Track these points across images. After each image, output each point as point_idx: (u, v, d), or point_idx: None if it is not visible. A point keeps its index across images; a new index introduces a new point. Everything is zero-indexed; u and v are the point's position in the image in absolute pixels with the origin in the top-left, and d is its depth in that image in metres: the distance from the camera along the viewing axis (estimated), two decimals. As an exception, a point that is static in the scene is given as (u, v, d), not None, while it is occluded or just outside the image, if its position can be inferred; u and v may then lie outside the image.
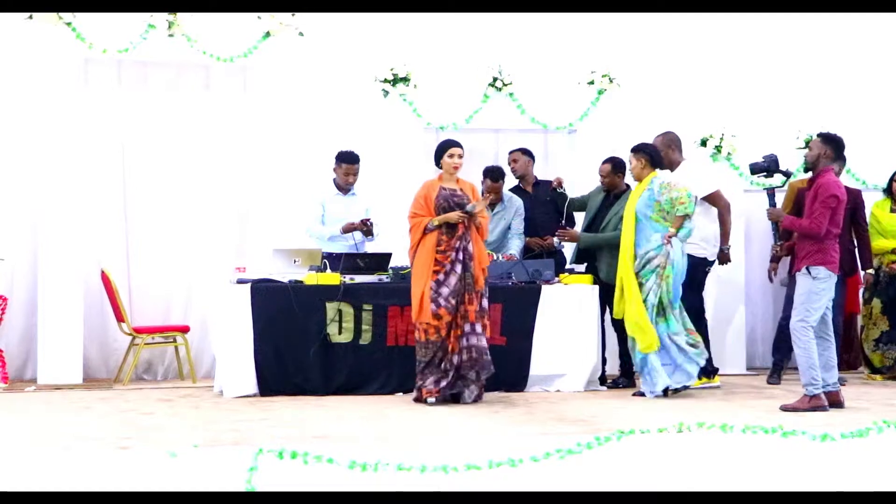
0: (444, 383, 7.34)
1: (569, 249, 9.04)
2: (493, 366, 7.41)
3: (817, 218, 7.03)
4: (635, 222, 7.92)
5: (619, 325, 8.67)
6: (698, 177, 8.43)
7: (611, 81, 9.84)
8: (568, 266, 8.73)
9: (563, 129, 9.93)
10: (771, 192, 7.57)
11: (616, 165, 8.59)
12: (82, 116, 9.08)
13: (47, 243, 8.83)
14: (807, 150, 7.37)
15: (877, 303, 9.16)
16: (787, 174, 7.72)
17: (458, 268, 7.40)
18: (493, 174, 8.96)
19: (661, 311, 7.87)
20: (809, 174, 7.33)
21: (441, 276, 7.37)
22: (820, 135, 7.28)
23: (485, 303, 7.48)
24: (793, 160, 9.73)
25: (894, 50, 10.31)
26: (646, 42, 9.98)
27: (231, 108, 9.52)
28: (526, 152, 9.27)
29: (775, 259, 8.86)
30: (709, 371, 8.39)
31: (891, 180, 9.28)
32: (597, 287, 8.37)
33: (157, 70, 9.43)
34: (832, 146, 7.16)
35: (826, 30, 10.13)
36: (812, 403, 6.92)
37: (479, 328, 7.38)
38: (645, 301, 7.82)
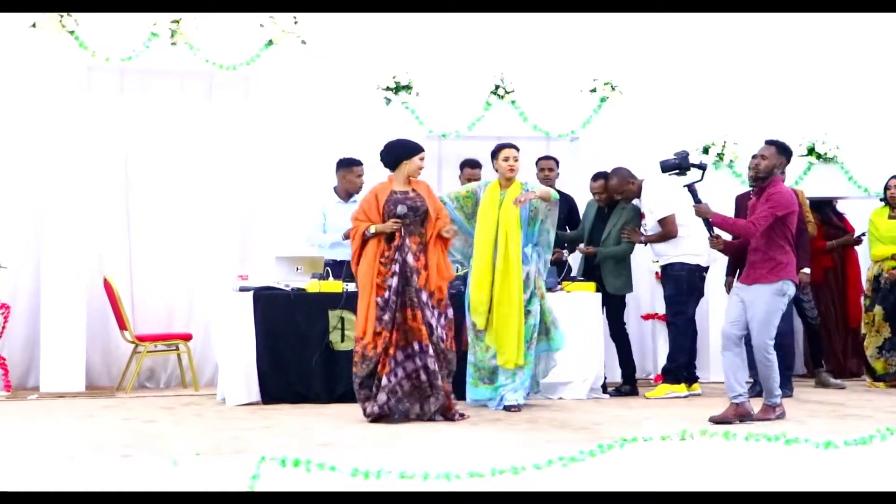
0: (374, 408, 6.77)
1: (573, 261, 9.01)
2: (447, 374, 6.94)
3: (759, 221, 6.77)
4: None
5: (618, 334, 8.69)
6: (656, 199, 8.42)
7: (613, 89, 9.85)
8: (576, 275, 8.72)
9: (566, 137, 9.93)
10: (692, 189, 7.04)
11: (608, 179, 8.64)
12: (85, 124, 9.10)
13: (50, 251, 8.84)
14: (758, 160, 7.01)
15: (878, 310, 9.14)
16: (702, 167, 7.19)
17: (395, 282, 6.82)
18: (473, 162, 9.08)
19: (543, 329, 7.63)
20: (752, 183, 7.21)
21: (384, 290, 6.82)
22: (774, 143, 7.06)
23: (444, 317, 6.92)
24: (795, 167, 9.75)
25: (896, 56, 10.34)
26: (647, 49, 9.99)
27: (233, 116, 9.54)
28: (557, 161, 9.22)
29: (732, 273, 8.66)
30: (691, 379, 8.41)
31: (886, 188, 9.28)
32: (599, 295, 8.37)
33: (159, 78, 9.46)
34: (786, 156, 7.07)
35: (828, 36, 10.14)
36: (740, 411, 6.90)
37: (428, 348, 6.77)
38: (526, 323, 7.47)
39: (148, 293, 9.43)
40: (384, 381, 6.74)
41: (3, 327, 8.71)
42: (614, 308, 8.64)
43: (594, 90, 9.84)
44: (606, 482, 4.46)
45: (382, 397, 6.74)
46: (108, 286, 8.78)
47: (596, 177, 8.73)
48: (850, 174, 9.90)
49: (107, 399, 8.30)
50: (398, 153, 7.09)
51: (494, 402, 7.47)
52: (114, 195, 9.40)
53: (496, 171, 7.70)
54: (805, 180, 9.85)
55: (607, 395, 8.35)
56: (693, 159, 7.37)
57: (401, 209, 6.89)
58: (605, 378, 8.51)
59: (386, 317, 6.78)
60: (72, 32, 8.83)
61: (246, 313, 7.83)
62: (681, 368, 8.37)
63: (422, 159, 7.13)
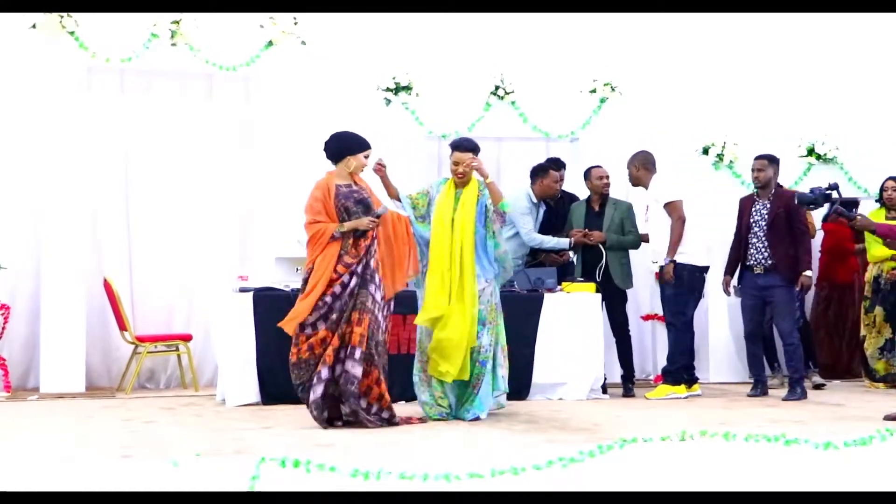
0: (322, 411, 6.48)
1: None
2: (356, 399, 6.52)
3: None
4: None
5: (619, 332, 8.70)
6: (664, 184, 8.44)
7: (612, 90, 9.85)
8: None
9: (566, 138, 9.94)
10: (841, 208, 6.75)
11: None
12: (86, 125, 9.11)
13: (50, 251, 8.84)
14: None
15: (879, 311, 9.14)
16: (852, 202, 6.93)
17: (354, 281, 6.50)
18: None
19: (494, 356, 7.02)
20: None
21: (337, 289, 6.47)
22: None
23: (387, 308, 6.65)
24: (795, 168, 9.76)
25: (896, 57, 10.33)
26: (647, 50, 10.00)
27: (234, 117, 9.55)
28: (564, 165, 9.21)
29: (730, 272, 8.69)
30: (691, 380, 8.41)
31: (882, 189, 9.27)
32: (599, 296, 8.36)
33: (160, 79, 9.47)
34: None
35: (828, 36, 10.15)
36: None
37: (357, 353, 6.42)
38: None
39: (148, 294, 9.43)
40: (324, 373, 6.44)
41: (3, 328, 8.71)
42: (618, 303, 8.64)
43: (594, 91, 9.85)
44: (606, 482, 4.45)
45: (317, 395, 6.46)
46: (108, 287, 8.78)
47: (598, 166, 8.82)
48: (849, 175, 9.90)
49: (107, 400, 8.30)
50: (343, 146, 6.64)
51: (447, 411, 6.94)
52: (114, 196, 9.41)
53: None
54: (805, 181, 9.85)
55: (607, 396, 8.34)
56: (839, 192, 6.87)
57: (382, 209, 6.60)
58: (605, 378, 8.50)
59: (333, 317, 6.47)
60: (72, 33, 8.83)
61: (246, 314, 7.83)
62: (681, 370, 8.37)
63: (367, 157, 6.67)
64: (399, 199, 7.05)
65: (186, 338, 8.97)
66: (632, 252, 8.85)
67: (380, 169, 6.89)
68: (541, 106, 9.80)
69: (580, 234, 8.62)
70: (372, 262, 6.57)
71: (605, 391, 8.40)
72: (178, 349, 8.97)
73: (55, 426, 6.78)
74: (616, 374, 8.83)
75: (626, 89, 9.89)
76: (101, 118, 9.30)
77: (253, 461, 4.26)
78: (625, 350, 8.73)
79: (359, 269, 6.52)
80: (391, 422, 6.59)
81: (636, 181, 8.54)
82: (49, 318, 8.75)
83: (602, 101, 9.86)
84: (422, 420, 6.84)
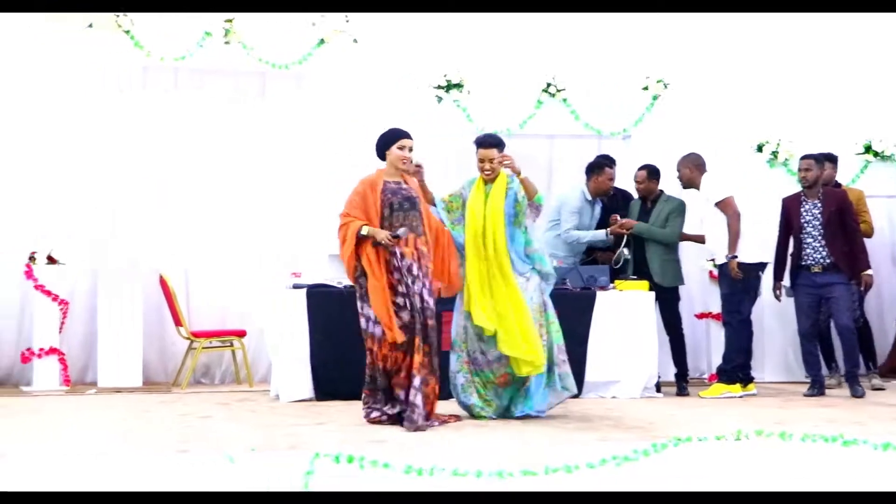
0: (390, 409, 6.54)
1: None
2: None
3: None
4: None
5: (672, 330, 8.64)
6: (714, 182, 8.36)
7: (665, 87, 9.77)
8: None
9: (618, 135, 9.88)
10: None
11: (651, 172, 8.67)
12: (141, 122, 9.22)
13: (107, 249, 8.96)
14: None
15: None
16: None
17: (409, 285, 6.47)
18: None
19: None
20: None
21: (399, 300, 6.47)
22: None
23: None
24: (852, 165, 9.64)
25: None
26: (700, 46, 9.91)
27: (286, 114, 9.60)
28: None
29: (779, 276, 8.61)
30: (746, 379, 8.34)
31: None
32: (651, 294, 8.32)
33: (213, 77, 9.56)
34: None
35: (885, 34, 10.00)
36: None
37: (417, 381, 6.38)
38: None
39: (203, 290, 9.53)
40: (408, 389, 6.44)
41: (63, 323, 8.85)
42: (667, 301, 8.58)
43: (646, 88, 9.77)
44: (660, 482, 4.43)
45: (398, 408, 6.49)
46: (163, 283, 8.88)
47: (641, 168, 8.77)
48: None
49: (163, 395, 8.40)
50: (380, 142, 6.65)
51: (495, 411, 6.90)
52: (168, 193, 9.51)
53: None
54: (862, 179, 9.72)
55: (661, 395, 8.29)
56: None
57: (403, 231, 6.44)
58: (659, 377, 8.45)
59: (407, 320, 6.44)
60: (127, 32, 8.95)
61: (299, 310, 7.88)
62: (736, 368, 8.30)
63: (401, 148, 6.58)
64: (434, 204, 7.00)
65: (241, 333, 9.04)
66: (687, 249, 8.79)
67: (417, 171, 6.79)
68: (593, 103, 9.75)
69: (616, 224, 8.59)
70: (415, 268, 6.49)
71: (658, 389, 8.35)
72: (232, 345, 9.05)
73: (112, 420, 6.87)
74: (670, 373, 8.77)
75: (679, 86, 9.80)
76: (156, 116, 9.40)
77: (307, 457, 4.29)
78: (678, 348, 8.67)
79: (407, 275, 6.47)
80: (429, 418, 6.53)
81: (688, 183, 8.49)
82: (106, 314, 8.86)
83: (654, 98, 9.79)
84: (458, 418, 6.78)
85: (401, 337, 6.40)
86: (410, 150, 6.62)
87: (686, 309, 9.13)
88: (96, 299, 8.97)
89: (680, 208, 8.65)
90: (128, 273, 8.93)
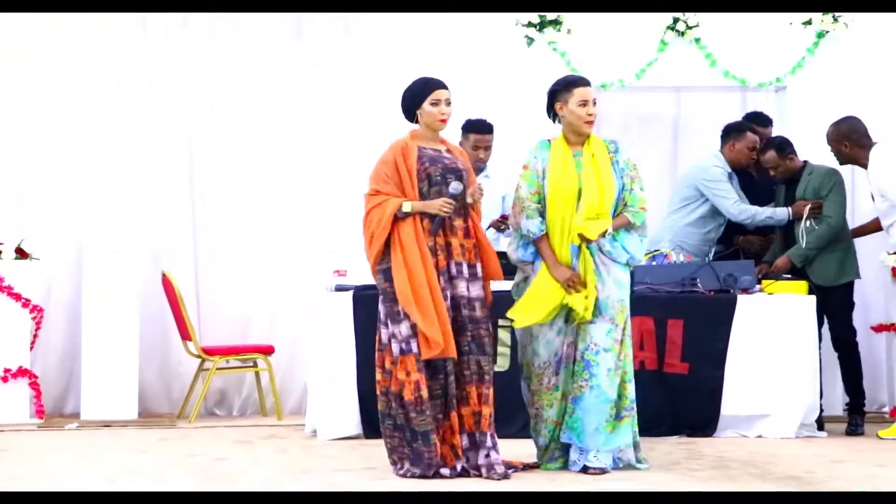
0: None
1: None
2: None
3: None
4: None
5: (842, 347, 8.54)
6: (886, 168, 8.25)
7: (835, 20, 9.64)
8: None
9: (768, 86, 9.78)
10: None
11: (780, 147, 8.59)
12: (141, 76, 9.44)
13: (94, 241, 9.09)
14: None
15: None
16: None
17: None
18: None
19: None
20: None
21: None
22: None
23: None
24: None
25: None
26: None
27: (329, 66, 9.65)
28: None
29: None
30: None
31: None
32: (813, 298, 8.23)
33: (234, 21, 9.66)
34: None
35: None
36: None
37: (490, 440, 6.35)
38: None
39: (218, 294, 9.61)
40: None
41: (35, 336, 8.96)
42: (832, 306, 8.47)
43: (809, 22, 9.65)
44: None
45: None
46: (167, 285, 8.97)
47: (766, 146, 8.67)
48: None
49: (165, 430, 8.51)
50: (413, 96, 6.50)
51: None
52: (175, 175, 9.61)
53: (562, 120, 6.70)
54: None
55: (824, 434, 8.21)
56: None
57: (455, 186, 6.32)
58: (822, 410, 8.37)
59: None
60: None
61: (344, 318, 7.93)
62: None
63: (435, 103, 6.43)
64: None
65: (267, 350, 9.12)
66: (859, 239, 8.70)
67: (474, 195, 6.46)
68: (734, 45, 9.65)
69: (803, 203, 8.49)
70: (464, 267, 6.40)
71: (821, 427, 8.27)
72: (255, 365, 9.14)
73: (99, 465, 6.95)
74: (837, 405, 8.68)
75: (853, 20, 9.67)
76: (161, 65, 9.59)
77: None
78: (851, 372, 8.58)
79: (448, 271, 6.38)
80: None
81: (848, 160, 8.38)
82: (92, 323, 8.96)
83: (819, 35, 9.66)
84: (527, 467, 6.67)
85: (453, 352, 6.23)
86: (448, 103, 6.47)
87: (860, 319, 9.03)
88: (80, 305, 9.08)
89: (831, 177, 8.52)
90: (121, 270, 9.02)
